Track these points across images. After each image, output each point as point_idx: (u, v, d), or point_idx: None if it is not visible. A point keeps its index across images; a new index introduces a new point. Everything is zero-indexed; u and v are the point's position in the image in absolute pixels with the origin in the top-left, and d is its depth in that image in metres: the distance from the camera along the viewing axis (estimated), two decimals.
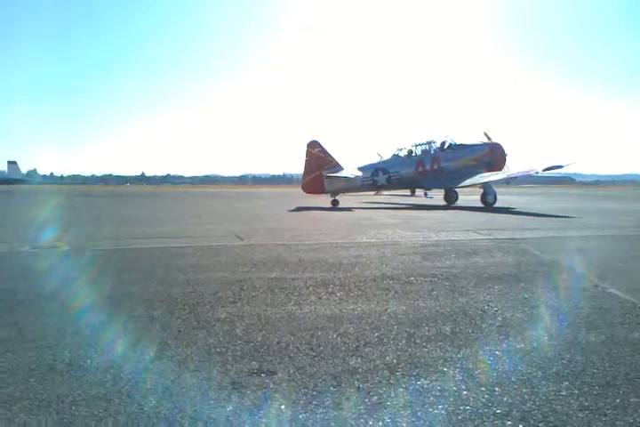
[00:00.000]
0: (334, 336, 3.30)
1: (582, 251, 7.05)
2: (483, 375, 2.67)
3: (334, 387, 2.53)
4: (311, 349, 3.07)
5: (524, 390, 2.48)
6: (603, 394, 2.43)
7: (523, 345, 3.12)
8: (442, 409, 2.28)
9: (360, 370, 2.74)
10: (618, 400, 2.36)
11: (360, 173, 20.72)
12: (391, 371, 2.73)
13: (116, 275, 5.30)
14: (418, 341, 3.21)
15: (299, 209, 18.32)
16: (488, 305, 4.06)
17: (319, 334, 3.36)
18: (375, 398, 2.41)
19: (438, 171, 21.29)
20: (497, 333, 3.37)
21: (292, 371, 2.73)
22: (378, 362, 2.86)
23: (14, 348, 3.08)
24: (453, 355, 2.96)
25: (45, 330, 3.44)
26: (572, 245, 7.60)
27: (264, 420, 2.21)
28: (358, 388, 2.52)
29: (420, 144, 21.91)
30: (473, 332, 3.40)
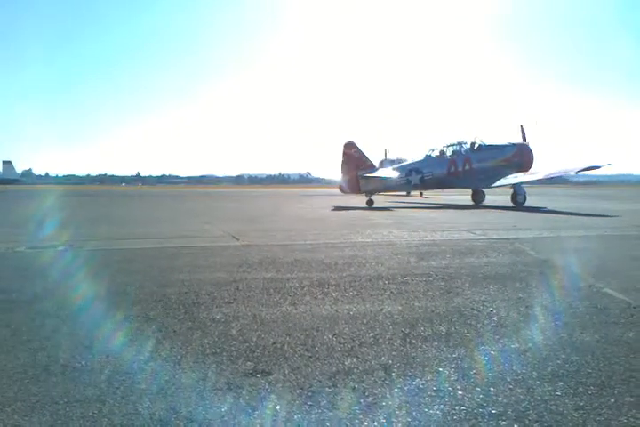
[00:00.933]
0: (330, 337, 3.30)
1: None
2: (478, 375, 2.67)
3: (329, 387, 2.52)
4: (306, 349, 3.07)
5: (519, 390, 2.48)
6: (598, 394, 2.43)
7: (518, 345, 3.13)
8: (437, 409, 2.28)
9: (355, 370, 2.74)
10: (613, 400, 2.36)
11: (395, 174, 21.14)
12: (386, 371, 2.72)
13: (112, 275, 5.28)
14: (413, 341, 3.21)
15: (337, 209, 18.30)
16: (483, 305, 4.06)
17: (314, 334, 3.36)
18: (370, 398, 2.40)
19: (470, 171, 21.68)
20: (492, 333, 3.37)
21: (287, 371, 2.73)
22: (373, 362, 2.85)
23: (8, 348, 3.07)
24: (448, 355, 2.96)
25: (40, 331, 3.42)
26: None
27: (259, 420, 2.20)
28: (353, 388, 2.52)
29: (451, 145, 22.36)
30: (468, 332, 3.40)
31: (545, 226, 10.72)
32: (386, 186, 21.02)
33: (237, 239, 8.49)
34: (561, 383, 2.55)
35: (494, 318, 3.70)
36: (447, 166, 21.66)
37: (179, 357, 2.94)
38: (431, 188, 22.87)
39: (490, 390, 2.48)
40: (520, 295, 4.37)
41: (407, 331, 3.41)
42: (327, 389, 2.51)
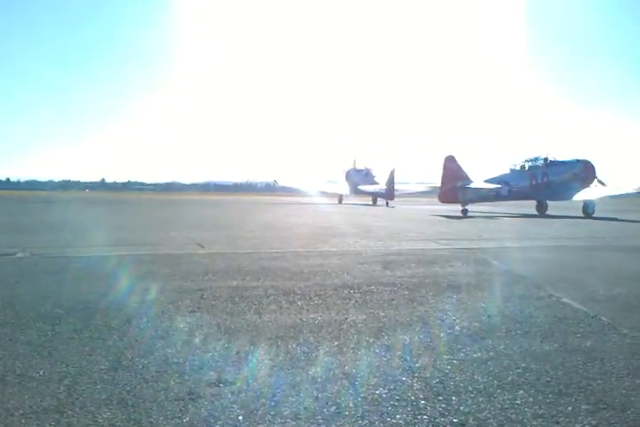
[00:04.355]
0: (294, 346, 3.29)
1: None
2: (440, 385, 2.70)
3: (292, 397, 2.52)
4: (270, 359, 3.06)
5: (481, 399, 2.51)
6: (556, 402, 2.48)
7: (479, 354, 3.17)
8: (399, 419, 2.30)
9: (319, 380, 2.74)
10: (570, 408, 2.41)
11: (489, 186, 22.53)
12: (350, 380, 2.73)
13: (73, 283, 5.19)
14: (377, 350, 3.23)
15: (440, 216, 18.26)
16: (447, 314, 4.11)
17: (279, 343, 3.35)
18: (333, 408, 2.41)
19: (547, 184, 23.68)
20: (455, 342, 3.41)
21: (250, 381, 2.72)
22: (337, 371, 2.86)
23: None
24: (412, 364, 2.99)
25: None
26: None
27: None
28: (317, 398, 2.52)
29: (528, 160, 24.46)
30: (431, 341, 3.43)
31: None
32: (479, 196, 22.37)
33: (203, 247, 8.42)
34: (521, 392, 2.60)
35: (457, 328, 3.75)
36: (529, 179, 23.66)
37: (140, 366, 2.90)
38: (515, 199, 24.51)
39: (452, 400, 2.51)
40: (483, 305, 4.44)
41: (371, 340, 3.43)
42: (290, 398, 2.50)
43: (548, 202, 24.24)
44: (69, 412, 2.32)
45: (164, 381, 2.70)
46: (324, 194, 41.37)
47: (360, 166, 41.59)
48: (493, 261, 7.01)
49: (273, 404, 2.44)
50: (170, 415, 2.30)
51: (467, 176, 22.09)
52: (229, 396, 2.52)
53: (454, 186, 21.52)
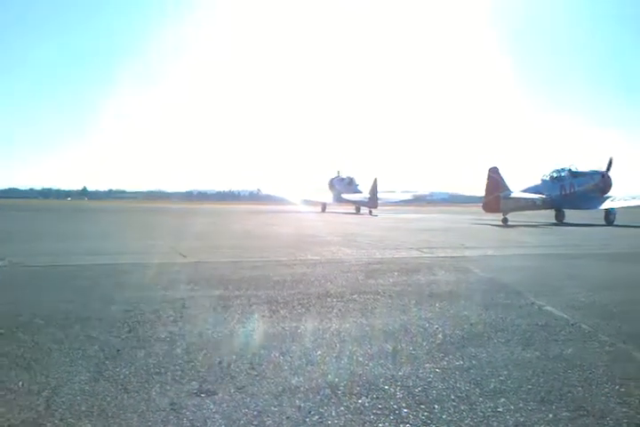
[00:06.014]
0: (276, 355, 3.28)
1: None
2: (423, 393, 2.70)
3: (275, 407, 2.51)
4: (253, 368, 3.04)
5: (463, 407, 2.52)
6: (537, 409, 2.50)
7: (462, 362, 3.18)
8: None
9: (302, 389, 2.73)
10: (551, 415, 2.43)
11: (527, 195, 23.48)
12: (332, 390, 2.73)
13: (54, 292, 5.13)
14: (360, 359, 3.23)
15: (479, 223, 18.20)
16: (429, 322, 4.13)
17: (261, 352, 3.34)
18: (316, 417, 2.40)
19: (574, 194, 24.76)
20: (437, 350, 3.42)
21: (232, 391, 2.70)
22: (320, 381, 2.85)
23: None
24: (394, 373, 2.99)
25: None
26: None
27: None
28: (299, 407, 2.51)
29: (555, 171, 25.55)
30: (414, 349, 3.44)
31: None
32: (518, 206, 23.07)
33: (185, 256, 8.37)
34: (503, 400, 2.61)
35: (439, 336, 3.76)
36: (560, 189, 24.73)
37: (122, 377, 2.87)
38: (548, 208, 25.13)
39: (434, 408, 2.51)
40: (465, 313, 4.46)
41: (354, 349, 3.43)
42: (273, 408, 2.49)
43: (575, 211, 25.04)
44: (49, 424, 2.29)
45: (146, 391, 2.68)
46: (307, 202, 41.42)
47: (343, 175, 41.71)
48: (474, 270, 7.06)
49: (255, 413, 2.43)
50: (151, 426, 2.28)
51: (507, 187, 22.81)
52: (211, 406, 2.51)
53: (497, 196, 22.18)
